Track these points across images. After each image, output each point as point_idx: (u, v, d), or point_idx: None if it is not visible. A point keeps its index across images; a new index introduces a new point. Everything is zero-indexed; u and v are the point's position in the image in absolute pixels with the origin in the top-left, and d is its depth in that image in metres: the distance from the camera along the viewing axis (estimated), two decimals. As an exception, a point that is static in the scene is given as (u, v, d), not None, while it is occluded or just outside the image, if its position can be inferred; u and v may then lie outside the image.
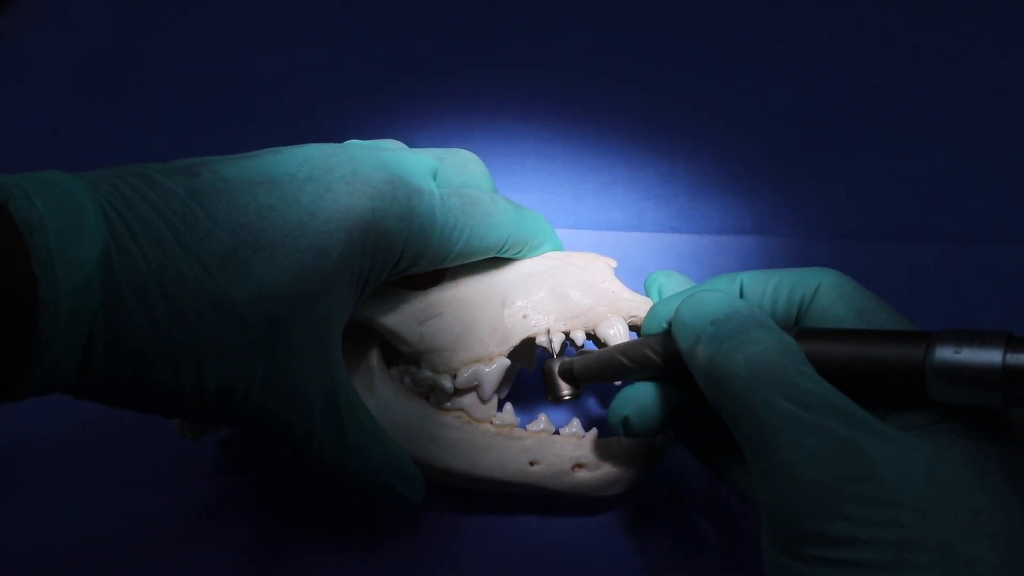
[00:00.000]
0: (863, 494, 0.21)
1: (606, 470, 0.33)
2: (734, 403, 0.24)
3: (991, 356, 0.21)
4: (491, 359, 0.32)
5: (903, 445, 0.22)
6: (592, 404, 0.39)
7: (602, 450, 0.33)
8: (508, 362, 0.32)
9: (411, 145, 0.34)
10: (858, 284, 0.28)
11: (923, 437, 0.23)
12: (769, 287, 0.29)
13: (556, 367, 0.32)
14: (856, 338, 0.25)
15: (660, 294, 0.33)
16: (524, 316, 0.32)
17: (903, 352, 0.23)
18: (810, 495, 0.22)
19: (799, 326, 0.27)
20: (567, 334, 0.33)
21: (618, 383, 0.33)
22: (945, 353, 0.22)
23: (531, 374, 0.37)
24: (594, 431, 0.34)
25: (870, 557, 0.21)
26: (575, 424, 0.34)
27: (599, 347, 0.34)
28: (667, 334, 0.29)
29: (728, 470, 0.30)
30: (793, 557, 0.22)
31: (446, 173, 0.32)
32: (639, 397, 0.29)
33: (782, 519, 0.22)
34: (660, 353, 0.29)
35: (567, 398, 0.32)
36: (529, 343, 0.33)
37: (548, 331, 0.32)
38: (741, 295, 0.30)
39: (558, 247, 0.36)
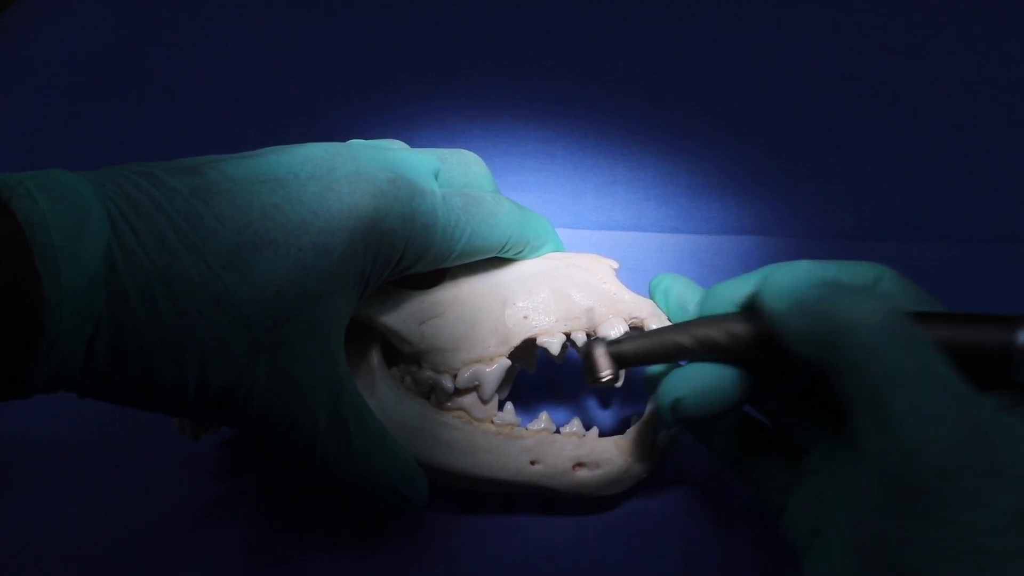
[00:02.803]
0: (984, 458, 0.21)
1: (607, 469, 0.33)
2: (861, 354, 0.23)
3: None
4: (492, 359, 0.32)
5: (1013, 419, 0.23)
6: (592, 404, 0.39)
7: (603, 449, 0.33)
8: (509, 363, 0.32)
9: (411, 145, 0.34)
10: (915, 284, 0.28)
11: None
12: (829, 275, 0.29)
13: (600, 348, 0.30)
14: (940, 320, 0.25)
15: (667, 297, 0.32)
16: (525, 317, 0.32)
17: (988, 334, 0.24)
18: (932, 454, 0.22)
19: None
20: (568, 335, 0.33)
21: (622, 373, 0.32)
22: None
23: (532, 374, 0.37)
24: (595, 430, 0.34)
25: (985, 521, 0.21)
26: (576, 423, 0.34)
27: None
28: (740, 315, 0.28)
29: (754, 468, 0.30)
30: (902, 516, 0.22)
31: (448, 173, 0.32)
32: (696, 378, 0.28)
33: (896, 478, 0.22)
34: (731, 334, 0.28)
35: (607, 380, 0.30)
36: (530, 344, 0.33)
37: (549, 331, 0.32)
38: None
39: (559, 248, 0.36)
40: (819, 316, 0.24)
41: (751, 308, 0.28)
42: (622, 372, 0.31)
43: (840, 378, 0.24)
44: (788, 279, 0.26)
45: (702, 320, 0.29)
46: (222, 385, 0.25)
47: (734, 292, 0.29)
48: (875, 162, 0.48)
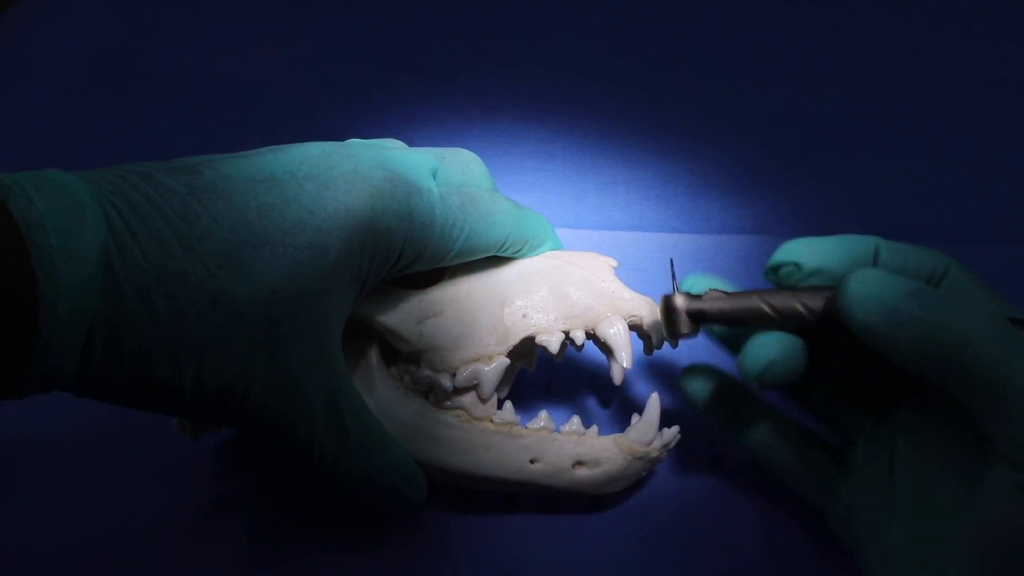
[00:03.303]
0: None
1: (606, 468, 0.33)
2: (979, 361, 0.24)
3: None
4: (490, 358, 0.32)
5: None
6: (592, 404, 0.39)
7: (602, 448, 0.33)
8: (507, 361, 0.32)
9: (411, 145, 0.34)
10: (976, 276, 0.29)
11: None
12: (910, 261, 0.29)
13: (680, 302, 0.30)
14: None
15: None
16: (524, 315, 0.32)
17: None
18: None
19: None
20: (567, 333, 0.33)
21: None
22: None
23: (531, 373, 0.37)
24: (594, 428, 0.34)
25: None
26: (575, 422, 0.34)
27: (599, 347, 0.34)
28: (818, 292, 0.29)
29: (798, 463, 0.32)
30: None
31: (446, 172, 0.32)
32: (786, 343, 0.29)
33: None
34: (811, 309, 0.28)
35: (685, 334, 0.30)
36: (529, 342, 0.33)
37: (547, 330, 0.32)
38: (876, 259, 0.30)
39: (558, 246, 0.36)
40: (925, 330, 0.25)
41: (831, 293, 0.29)
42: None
43: (962, 387, 0.24)
44: (874, 288, 0.26)
45: (781, 290, 0.29)
46: (220, 385, 0.25)
47: (815, 252, 0.29)
48: (875, 162, 0.48)
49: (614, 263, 0.34)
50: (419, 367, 0.33)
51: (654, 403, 0.34)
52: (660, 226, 0.46)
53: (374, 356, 0.33)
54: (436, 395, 0.33)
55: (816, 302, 0.28)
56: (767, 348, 0.29)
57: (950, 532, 0.26)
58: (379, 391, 0.33)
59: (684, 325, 0.30)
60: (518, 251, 0.34)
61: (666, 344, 0.33)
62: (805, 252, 0.29)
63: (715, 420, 0.33)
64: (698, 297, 0.30)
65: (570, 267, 0.33)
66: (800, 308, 0.29)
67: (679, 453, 0.37)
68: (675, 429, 0.34)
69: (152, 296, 0.24)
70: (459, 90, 0.53)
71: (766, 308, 0.29)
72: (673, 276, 0.32)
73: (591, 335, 0.33)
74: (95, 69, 0.55)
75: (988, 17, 0.57)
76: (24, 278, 0.22)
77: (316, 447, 0.28)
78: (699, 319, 0.30)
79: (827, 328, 0.28)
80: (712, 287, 0.32)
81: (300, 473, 0.36)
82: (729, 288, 0.32)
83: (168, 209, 0.25)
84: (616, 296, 0.33)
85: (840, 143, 0.49)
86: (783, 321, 0.29)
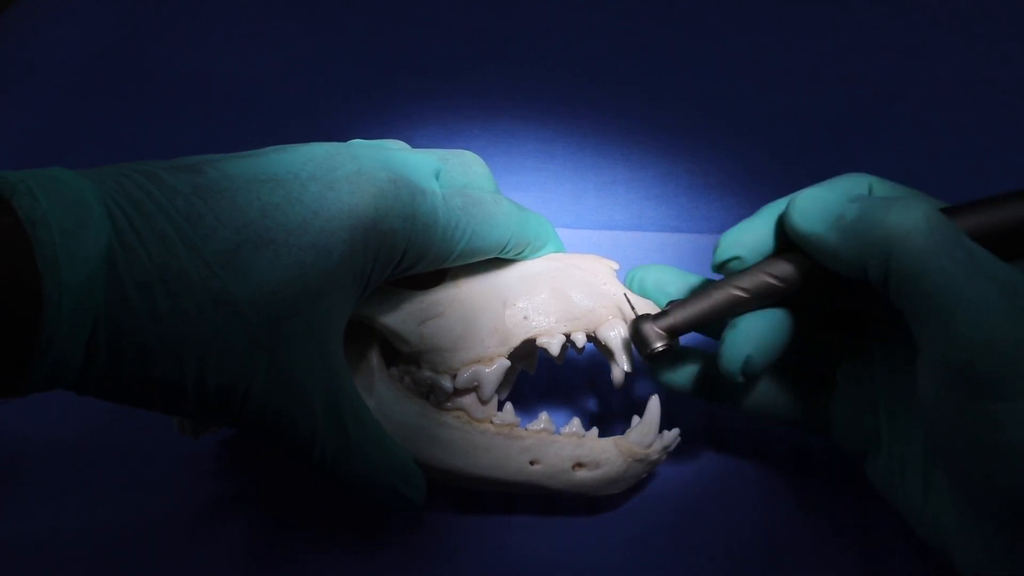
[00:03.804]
0: None
1: (606, 469, 0.33)
2: (914, 258, 0.24)
3: None
4: (491, 360, 0.32)
5: None
6: (592, 406, 0.39)
7: (602, 450, 0.33)
8: (508, 363, 0.32)
9: (412, 145, 0.34)
10: (897, 184, 0.29)
11: None
12: (840, 187, 0.29)
13: (647, 323, 0.30)
14: (964, 210, 0.26)
15: (643, 286, 0.33)
16: (525, 317, 0.32)
17: (1012, 212, 0.25)
18: (1003, 349, 0.23)
19: None
20: (568, 335, 0.33)
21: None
22: None
23: (532, 374, 0.37)
24: (594, 430, 0.34)
25: None
26: (575, 423, 0.34)
27: (600, 350, 0.34)
28: (777, 257, 0.29)
29: (791, 394, 0.32)
30: (990, 398, 0.23)
31: (449, 173, 0.32)
32: (754, 330, 0.29)
33: (966, 372, 0.23)
34: (777, 276, 0.28)
35: (661, 350, 0.30)
36: (530, 344, 0.33)
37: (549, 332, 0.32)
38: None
39: (560, 249, 0.36)
40: (866, 230, 0.25)
41: (782, 245, 0.29)
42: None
43: (894, 285, 0.25)
44: (816, 201, 0.27)
45: (739, 274, 0.29)
46: (221, 384, 0.26)
47: (750, 237, 0.29)
48: (875, 162, 0.48)
49: (615, 266, 0.34)
50: (420, 368, 0.33)
51: (654, 405, 0.34)
52: (660, 226, 0.46)
53: (375, 357, 0.33)
54: (436, 396, 0.33)
55: (781, 268, 0.29)
56: (739, 344, 0.29)
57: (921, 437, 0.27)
58: (379, 392, 0.33)
59: (655, 342, 0.30)
60: (520, 253, 0.34)
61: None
62: (745, 242, 0.29)
63: (698, 396, 0.33)
64: (663, 313, 0.30)
65: (572, 269, 0.33)
66: (771, 280, 0.29)
67: (679, 455, 0.37)
68: (675, 431, 0.34)
69: (155, 295, 0.24)
70: (459, 90, 0.53)
71: (739, 293, 0.29)
72: (630, 304, 0.32)
73: (592, 337, 0.33)
74: (95, 69, 0.55)
75: (988, 17, 0.57)
76: (28, 276, 0.22)
77: (316, 447, 0.28)
78: (672, 332, 0.30)
79: (802, 286, 0.28)
80: (656, 272, 0.32)
81: (300, 473, 0.37)
82: (674, 275, 0.32)
83: (171, 208, 0.25)
84: (617, 299, 0.33)
85: (840, 143, 0.49)
86: (756, 300, 0.29)
